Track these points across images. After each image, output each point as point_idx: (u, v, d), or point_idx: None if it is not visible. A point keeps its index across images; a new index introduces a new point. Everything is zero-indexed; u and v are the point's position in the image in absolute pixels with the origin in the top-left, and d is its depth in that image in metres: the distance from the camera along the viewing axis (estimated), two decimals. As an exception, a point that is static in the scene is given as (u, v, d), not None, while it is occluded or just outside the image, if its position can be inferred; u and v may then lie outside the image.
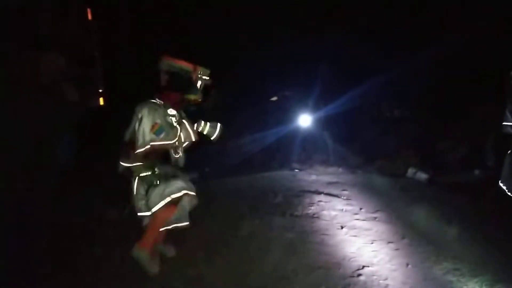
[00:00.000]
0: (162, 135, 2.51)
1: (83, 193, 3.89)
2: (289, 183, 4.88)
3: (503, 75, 2.47)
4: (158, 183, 2.53)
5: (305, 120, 6.83)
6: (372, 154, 6.15)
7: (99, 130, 5.19)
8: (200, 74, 2.68)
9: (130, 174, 2.62)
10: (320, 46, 7.23)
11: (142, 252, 2.55)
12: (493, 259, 2.85)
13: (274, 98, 7.83)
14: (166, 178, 2.57)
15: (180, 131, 2.64)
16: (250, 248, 3.01)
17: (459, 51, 6.06)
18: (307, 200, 4.15)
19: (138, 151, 2.47)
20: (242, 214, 3.67)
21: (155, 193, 2.51)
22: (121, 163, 2.62)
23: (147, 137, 2.47)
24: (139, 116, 2.50)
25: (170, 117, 2.61)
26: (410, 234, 3.29)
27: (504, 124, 2.61)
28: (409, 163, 5.54)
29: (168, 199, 2.50)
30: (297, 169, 5.75)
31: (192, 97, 2.68)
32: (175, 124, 2.62)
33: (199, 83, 2.68)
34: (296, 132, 6.71)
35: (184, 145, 2.76)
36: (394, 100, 7.00)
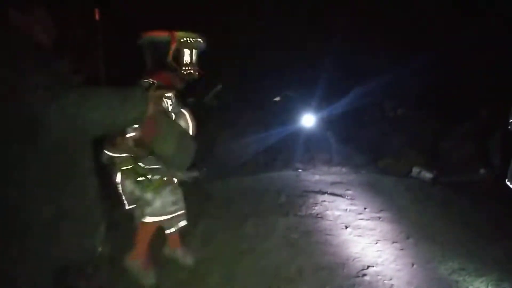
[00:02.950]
0: None
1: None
2: (293, 183, 4.86)
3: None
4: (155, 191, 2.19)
5: (308, 120, 6.82)
6: (376, 153, 6.13)
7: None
8: (182, 40, 2.22)
9: (113, 165, 2.23)
10: (323, 46, 7.22)
11: (133, 264, 2.35)
12: (499, 259, 2.83)
13: (277, 98, 7.83)
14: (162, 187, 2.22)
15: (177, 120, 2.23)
16: (254, 248, 3.00)
17: (464, 50, 6.03)
18: (311, 200, 4.13)
19: (127, 135, 2.03)
20: (245, 214, 3.66)
21: (156, 204, 2.21)
22: (105, 151, 2.22)
23: None
24: None
25: (166, 101, 2.14)
26: (415, 234, 3.27)
27: (511, 122, 2.59)
28: (413, 162, 5.50)
29: (162, 218, 2.24)
30: (300, 169, 5.73)
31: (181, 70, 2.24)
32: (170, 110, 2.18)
33: (185, 51, 2.24)
34: (299, 132, 6.69)
35: None
36: (398, 99, 6.97)
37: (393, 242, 3.13)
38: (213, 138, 6.12)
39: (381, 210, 3.85)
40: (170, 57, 2.21)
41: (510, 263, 2.77)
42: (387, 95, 6.98)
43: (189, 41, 2.25)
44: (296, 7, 7.48)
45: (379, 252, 2.96)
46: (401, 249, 3.01)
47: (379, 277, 2.59)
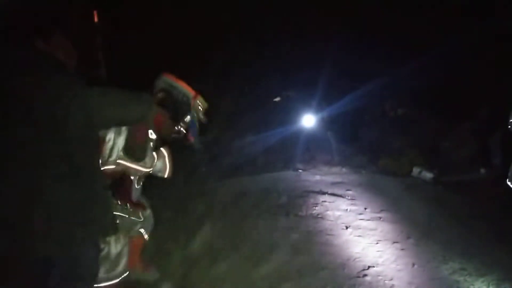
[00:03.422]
0: None
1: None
2: (293, 184, 4.86)
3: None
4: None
5: (308, 120, 6.82)
6: (376, 153, 6.12)
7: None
8: (198, 103, 2.29)
9: None
10: (323, 46, 7.22)
11: (134, 272, 2.30)
12: (500, 259, 2.83)
13: (277, 99, 7.82)
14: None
15: (156, 161, 2.24)
16: (254, 248, 3.00)
17: (464, 50, 6.02)
18: (311, 200, 4.13)
19: (105, 167, 1.99)
20: (245, 215, 3.66)
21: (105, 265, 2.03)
22: None
23: (118, 154, 2.01)
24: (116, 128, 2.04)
25: (150, 140, 2.17)
26: (415, 233, 3.27)
27: (511, 122, 2.60)
28: (414, 162, 5.50)
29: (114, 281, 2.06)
30: (300, 169, 5.73)
31: (181, 125, 2.26)
32: (152, 149, 2.20)
33: (194, 113, 2.29)
34: (299, 132, 6.69)
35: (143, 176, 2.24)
36: (398, 99, 6.97)
37: (394, 242, 3.13)
38: (214, 139, 6.13)
39: (381, 210, 3.85)
40: (181, 109, 2.24)
41: (511, 263, 2.77)
42: (387, 95, 6.98)
43: (201, 109, 2.31)
44: (296, 7, 7.48)
45: (379, 252, 2.96)
46: (402, 249, 3.00)
47: (380, 277, 2.59)
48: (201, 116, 2.33)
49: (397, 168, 5.59)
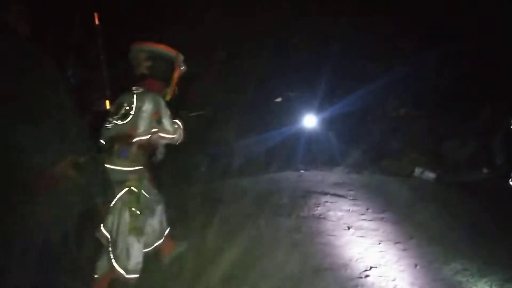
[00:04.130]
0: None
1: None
2: (295, 184, 4.86)
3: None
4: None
5: (310, 121, 6.81)
6: (378, 153, 6.11)
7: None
8: (181, 60, 2.48)
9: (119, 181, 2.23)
10: (325, 46, 7.22)
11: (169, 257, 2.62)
12: (503, 259, 2.82)
13: (279, 99, 7.82)
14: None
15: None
16: (256, 249, 2.99)
17: (466, 50, 6.01)
18: (313, 201, 4.12)
19: (136, 139, 2.18)
20: (247, 215, 3.66)
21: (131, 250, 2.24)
22: (112, 166, 2.22)
23: (149, 124, 2.22)
24: (138, 105, 2.22)
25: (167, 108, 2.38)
26: (418, 234, 3.26)
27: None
28: (416, 162, 5.49)
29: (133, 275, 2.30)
30: (302, 169, 5.72)
31: (171, 86, 2.46)
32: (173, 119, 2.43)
33: (178, 71, 2.48)
34: (301, 133, 6.68)
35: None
36: (400, 99, 6.96)
37: (396, 242, 3.12)
38: (215, 139, 6.13)
39: (383, 211, 3.84)
40: (174, 72, 2.44)
41: (514, 263, 2.76)
42: (389, 95, 6.97)
43: (183, 63, 2.50)
44: (298, 7, 7.48)
45: (382, 252, 2.95)
46: (404, 250, 2.99)
47: (382, 278, 2.58)
48: (183, 68, 2.49)
49: (399, 168, 5.57)
